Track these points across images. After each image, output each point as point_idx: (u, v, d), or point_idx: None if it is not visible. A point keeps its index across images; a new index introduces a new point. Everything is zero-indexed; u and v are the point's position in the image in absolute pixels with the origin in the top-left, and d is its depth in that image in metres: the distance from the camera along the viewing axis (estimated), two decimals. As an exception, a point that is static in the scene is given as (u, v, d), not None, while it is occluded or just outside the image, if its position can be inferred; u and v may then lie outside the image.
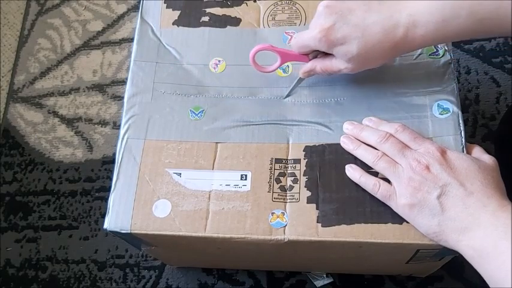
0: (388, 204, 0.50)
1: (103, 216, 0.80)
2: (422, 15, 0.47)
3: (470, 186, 0.46)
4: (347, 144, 0.54)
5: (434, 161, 0.48)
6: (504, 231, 0.43)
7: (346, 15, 0.49)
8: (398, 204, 0.49)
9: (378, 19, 0.48)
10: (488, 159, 0.50)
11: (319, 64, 0.54)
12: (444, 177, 0.47)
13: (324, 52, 0.53)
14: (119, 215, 0.53)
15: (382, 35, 0.48)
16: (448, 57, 0.57)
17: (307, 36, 0.52)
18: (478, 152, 0.52)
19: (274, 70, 0.58)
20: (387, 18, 0.48)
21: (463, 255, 0.46)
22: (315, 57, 0.55)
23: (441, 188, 0.46)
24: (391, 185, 0.50)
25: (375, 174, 0.52)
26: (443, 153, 0.49)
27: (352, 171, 0.53)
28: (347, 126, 0.55)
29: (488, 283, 0.44)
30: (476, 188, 0.46)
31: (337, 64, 0.52)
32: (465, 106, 0.85)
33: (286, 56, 0.56)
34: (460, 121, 0.54)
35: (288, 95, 0.58)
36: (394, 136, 0.52)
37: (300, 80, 0.58)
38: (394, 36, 0.48)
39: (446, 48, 0.58)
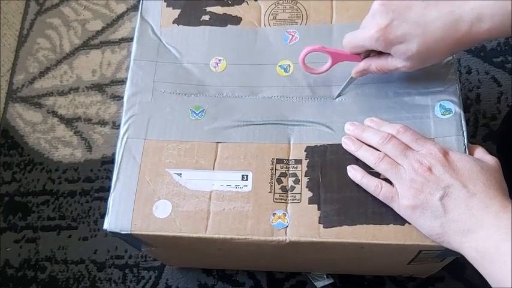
0: (390, 205, 0.50)
1: (102, 216, 0.79)
2: (487, 8, 0.44)
3: (472, 188, 0.46)
4: (348, 145, 0.54)
5: (436, 162, 0.47)
6: (506, 233, 0.43)
7: (403, 12, 0.47)
8: (401, 205, 0.48)
9: (439, 15, 0.46)
10: (490, 160, 0.50)
11: (373, 63, 0.52)
12: (446, 178, 0.46)
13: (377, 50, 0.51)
14: (119, 216, 0.53)
15: (443, 31, 0.46)
16: (449, 57, 0.57)
17: (362, 36, 0.50)
18: (480, 152, 0.51)
19: (326, 71, 0.56)
20: (448, 13, 0.46)
21: (466, 257, 0.46)
22: (367, 56, 0.53)
23: (444, 189, 0.46)
24: (393, 186, 0.50)
25: (377, 174, 0.51)
26: (445, 154, 0.48)
27: (354, 172, 0.52)
28: (348, 127, 0.55)
29: (490, 284, 0.44)
30: (479, 189, 0.46)
31: (394, 63, 0.50)
32: (466, 106, 0.84)
33: (337, 57, 0.54)
34: (462, 121, 0.54)
35: (338, 95, 0.57)
36: (395, 137, 0.51)
37: (352, 79, 0.56)
38: (456, 31, 0.46)
39: (448, 48, 0.58)
